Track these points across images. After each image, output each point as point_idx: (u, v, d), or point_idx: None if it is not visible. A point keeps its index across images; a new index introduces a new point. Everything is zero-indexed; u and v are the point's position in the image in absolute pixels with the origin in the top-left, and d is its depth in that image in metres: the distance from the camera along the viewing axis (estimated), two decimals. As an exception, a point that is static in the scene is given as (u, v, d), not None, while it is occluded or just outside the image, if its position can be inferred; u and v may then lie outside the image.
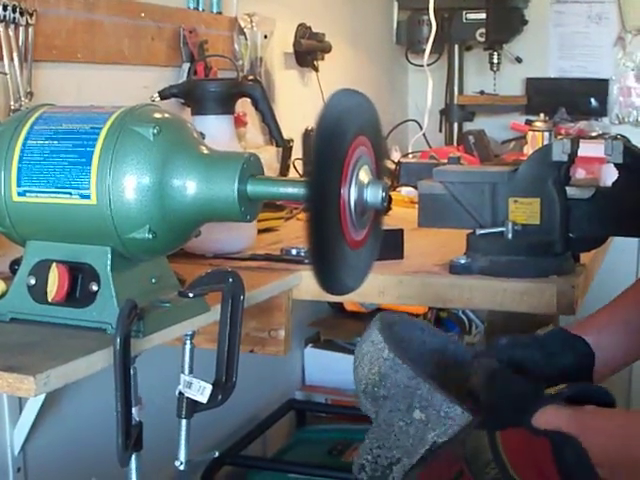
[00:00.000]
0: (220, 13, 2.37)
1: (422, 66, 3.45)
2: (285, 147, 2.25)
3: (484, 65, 3.61)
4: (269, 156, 2.33)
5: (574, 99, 3.62)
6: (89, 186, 1.12)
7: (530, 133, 3.04)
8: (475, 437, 1.03)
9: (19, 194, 1.16)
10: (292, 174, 2.53)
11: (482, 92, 3.70)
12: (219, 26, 2.37)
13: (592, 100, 3.64)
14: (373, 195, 1.03)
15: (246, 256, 1.75)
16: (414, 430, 1.02)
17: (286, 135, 2.11)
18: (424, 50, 3.44)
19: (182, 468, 1.24)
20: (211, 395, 1.20)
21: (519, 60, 3.65)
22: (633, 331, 1.18)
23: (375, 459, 1.05)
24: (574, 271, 1.62)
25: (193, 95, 1.84)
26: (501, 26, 3.46)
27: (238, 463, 2.44)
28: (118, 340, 1.05)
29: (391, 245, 1.71)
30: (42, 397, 1.64)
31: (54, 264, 1.15)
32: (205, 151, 1.16)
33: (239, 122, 2.22)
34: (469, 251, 1.65)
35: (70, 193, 1.13)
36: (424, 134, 3.40)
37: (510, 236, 1.60)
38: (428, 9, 3.37)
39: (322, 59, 2.93)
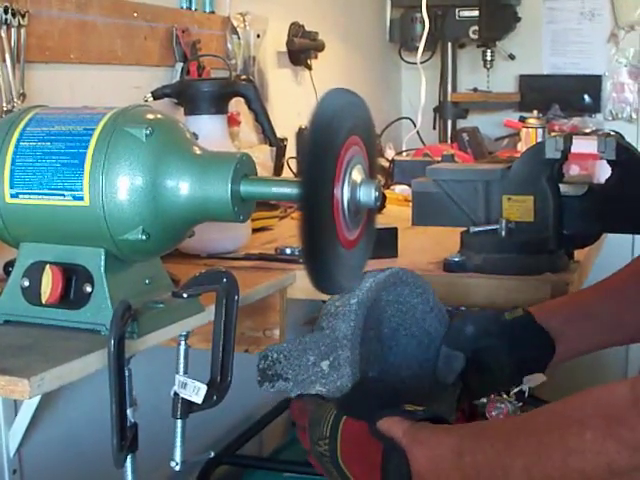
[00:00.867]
0: (213, 12, 2.37)
1: (415, 64, 3.46)
2: (279, 146, 2.25)
3: (477, 62, 3.62)
4: (263, 155, 2.33)
5: (567, 96, 3.62)
6: (82, 187, 1.12)
7: (523, 130, 3.05)
8: (324, 408, 1.09)
9: (12, 196, 1.16)
10: (286, 173, 2.53)
11: (475, 89, 3.70)
12: (212, 25, 2.37)
13: (585, 96, 3.65)
14: (366, 194, 1.03)
15: (240, 256, 1.75)
16: (313, 373, 1.11)
17: (280, 134, 2.11)
18: (417, 48, 3.45)
19: (178, 469, 1.24)
20: (206, 395, 1.19)
21: (512, 57, 3.65)
22: (598, 324, 1.23)
23: (275, 362, 1.14)
24: (568, 268, 1.63)
25: (186, 95, 1.83)
26: (494, 23, 3.47)
27: (234, 463, 2.44)
28: (112, 341, 1.05)
29: (385, 243, 1.72)
30: (37, 399, 1.64)
31: (48, 266, 1.15)
32: (198, 151, 1.15)
33: (232, 121, 2.22)
34: (463, 249, 1.65)
35: (63, 195, 1.13)
36: (418, 132, 3.40)
37: (504, 234, 1.60)
38: (421, 7, 3.37)
39: (315, 58, 2.93)
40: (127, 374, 1.13)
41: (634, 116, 3.62)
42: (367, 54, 3.54)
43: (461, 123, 3.68)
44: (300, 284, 1.62)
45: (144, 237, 1.12)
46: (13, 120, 1.20)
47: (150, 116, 1.15)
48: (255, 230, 1.92)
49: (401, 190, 2.63)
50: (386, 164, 2.82)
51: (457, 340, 1.22)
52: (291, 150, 2.67)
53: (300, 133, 2.85)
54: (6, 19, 1.64)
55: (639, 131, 3.63)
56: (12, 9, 1.65)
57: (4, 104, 1.65)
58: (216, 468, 2.34)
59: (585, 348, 1.28)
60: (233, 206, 1.12)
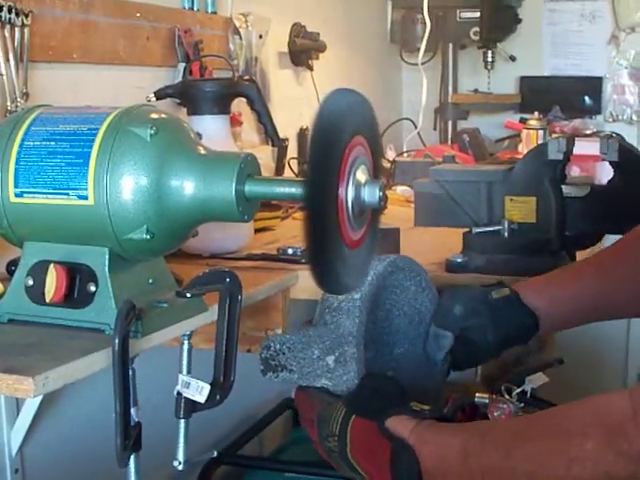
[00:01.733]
0: (215, 13, 2.37)
1: (416, 65, 3.46)
2: (280, 146, 2.25)
3: (478, 64, 3.61)
4: (265, 156, 2.33)
5: (568, 97, 3.62)
6: (86, 187, 1.12)
7: (524, 131, 3.05)
8: (333, 406, 1.12)
9: (16, 195, 1.16)
10: (287, 173, 2.53)
11: (476, 91, 3.70)
12: (214, 26, 2.37)
13: (586, 98, 3.65)
14: (370, 194, 1.03)
15: (243, 256, 1.75)
16: (318, 367, 1.13)
17: (281, 134, 2.11)
18: (418, 49, 3.45)
19: (180, 468, 1.24)
20: (209, 395, 1.20)
21: (513, 59, 3.65)
22: (581, 304, 1.26)
23: (278, 353, 1.16)
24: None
25: (189, 95, 1.84)
26: (495, 25, 3.47)
27: (235, 463, 2.44)
28: (116, 341, 1.05)
29: (388, 244, 1.72)
30: (39, 398, 1.64)
31: (52, 265, 1.15)
32: (202, 151, 1.16)
33: (235, 122, 2.22)
34: (465, 250, 1.66)
35: (67, 194, 1.13)
36: (419, 133, 3.40)
37: (506, 234, 1.61)
38: (422, 8, 3.37)
39: (317, 58, 2.93)
40: (131, 373, 1.13)
41: (634, 118, 3.62)
42: (368, 55, 3.54)
43: (462, 124, 3.67)
44: (302, 284, 1.62)
45: (148, 236, 1.12)
46: (17, 119, 1.20)
47: (154, 116, 1.16)
48: (257, 230, 1.92)
49: (402, 191, 2.63)
50: (387, 165, 2.82)
51: (446, 320, 1.25)
52: (292, 150, 2.68)
53: (302, 134, 2.85)
54: (10, 18, 1.64)
55: (639, 133, 3.63)
56: (16, 8, 1.66)
57: (8, 103, 1.65)
58: (217, 468, 2.34)
59: (567, 325, 1.33)
60: (237, 206, 1.12)
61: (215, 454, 1.45)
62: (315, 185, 0.96)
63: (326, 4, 3.16)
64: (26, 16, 1.68)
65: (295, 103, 2.83)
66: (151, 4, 2.09)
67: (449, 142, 3.56)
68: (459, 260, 1.63)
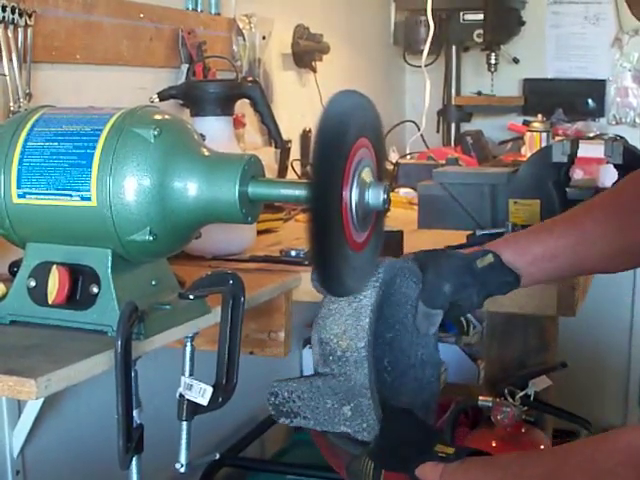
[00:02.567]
0: (218, 14, 2.37)
1: (420, 67, 3.45)
2: (283, 148, 2.25)
3: (481, 66, 3.61)
4: (267, 157, 2.33)
5: (571, 100, 3.62)
6: (89, 188, 1.12)
7: (528, 134, 3.05)
8: (362, 462, 1.12)
9: (19, 196, 1.16)
10: (290, 175, 2.52)
11: (479, 93, 3.70)
12: (217, 27, 2.37)
13: (589, 101, 3.65)
14: (375, 197, 1.03)
15: (245, 257, 1.75)
16: (334, 415, 1.11)
17: (284, 136, 2.11)
18: (422, 51, 3.44)
19: (183, 470, 1.24)
20: (212, 397, 1.19)
21: (516, 61, 3.65)
22: (561, 262, 1.28)
23: (288, 400, 1.12)
24: (574, 272, 1.62)
25: (192, 96, 1.83)
26: (498, 27, 3.47)
27: (237, 465, 2.44)
28: (119, 343, 1.05)
29: (391, 246, 1.71)
30: (41, 399, 1.64)
31: (54, 266, 1.15)
32: (206, 153, 1.15)
33: (237, 123, 2.22)
34: (469, 252, 1.65)
35: (70, 195, 1.13)
36: (422, 135, 3.40)
37: (510, 237, 1.60)
38: (426, 10, 3.36)
39: (320, 60, 2.93)
40: (133, 375, 1.12)
41: (638, 120, 3.62)
42: (371, 57, 3.54)
43: (465, 126, 3.67)
44: (305, 286, 1.61)
45: (151, 238, 1.11)
46: (20, 120, 1.20)
47: (158, 117, 1.15)
48: (260, 232, 1.92)
49: (405, 193, 2.62)
50: (390, 167, 2.82)
51: (435, 299, 1.24)
52: (295, 152, 2.67)
53: (305, 136, 2.85)
54: (13, 19, 1.64)
55: (643, 136, 3.63)
56: (19, 9, 1.65)
57: (11, 104, 1.65)
58: (219, 470, 2.34)
59: (546, 280, 1.36)
60: (241, 208, 1.11)
61: (217, 456, 1.44)
62: (319, 187, 0.96)
63: (330, 6, 3.15)
64: (29, 16, 1.67)
65: (298, 105, 2.83)
66: (155, 5, 2.09)
67: (452, 144, 3.56)
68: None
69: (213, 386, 1.20)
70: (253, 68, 2.48)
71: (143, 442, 1.16)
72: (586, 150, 1.76)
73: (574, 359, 2.47)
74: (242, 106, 2.18)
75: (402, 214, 2.28)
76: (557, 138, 3.00)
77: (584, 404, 3.06)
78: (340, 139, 0.98)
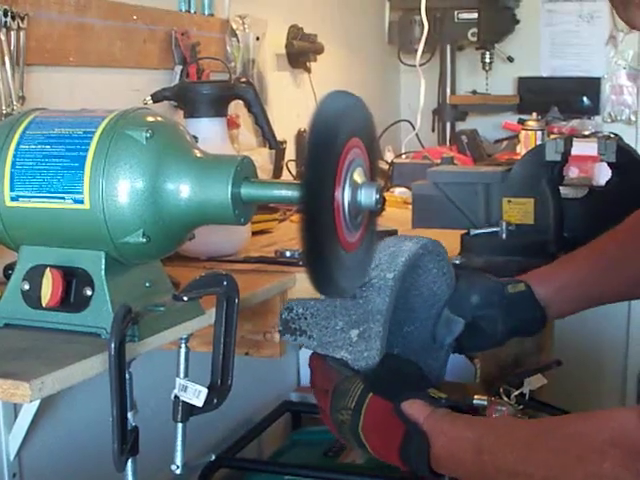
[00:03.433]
0: (212, 15, 2.37)
1: (414, 66, 3.46)
2: (278, 149, 2.25)
3: (476, 65, 3.62)
4: (262, 158, 2.33)
5: (566, 98, 3.62)
6: (82, 191, 1.12)
7: (523, 132, 3.05)
8: (352, 381, 1.13)
9: (12, 199, 1.16)
10: (285, 176, 2.52)
11: (474, 92, 3.70)
12: (211, 28, 2.37)
13: (584, 99, 3.65)
14: (367, 197, 1.03)
15: (240, 259, 1.75)
16: (340, 338, 1.12)
17: (279, 137, 2.10)
18: (416, 50, 3.44)
19: (179, 472, 1.24)
20: (207, 398, 1.19)
21: (511, 59, 3.65)
22: (586, 290, 1.30)
23: (300, 317, 1.15)
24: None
25: (186, 98, 1.83)
26: (493, 26, 3.47)
27: (234, 466, 2.43)
28: (113, 345, 1.05)
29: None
30: (37, 402, 1.64)
31: (48, 269, 1.14)
32: (198, 154, 1.15)
33: (232, 124, 2.22)
34: (463, 251, 1.65)
35: (63, 198, 1.13)
36: (417, 134, 3.40)
37: (504, 236, 1.61)
38: (420, 9, 3.37)
39: (314, 60, 2.93)
40: (128, 377, 1.12)
41: (633, 118, 3.62)
42: (366, 57, 3.54)
43: (460, 125, 3.67)
44: (300, 287, 1.62)
45: (144, 240, 1.11)
46: (13, 123, 1.20)
47: (150, 119, 1.15)
48: (254, 233, 1.92)
49: (400, 193, 2.63)
50: (385, 167, 2.82)
51: (460, 306, 1.26)
52: (290, 153, 2.67)
53: (300, 136, 2.85)
54: (5, 22, 1.64)
55: (638, 133, 3.63)
56: (12, 12, 1.65)
57: (3, 107, 1.65)
58: (216, 471, 2.34)
59: (572, 311, 1.35)
60: (234, 209, 1.11)
61: (213, 457, 1.44)
62: (311, 188, 0.96)
63: (323, 6, 3.15)
64: (22, 19, 1.67)
65: (293, 105, 2.83)
66: (148, 7, 2.09)
67: (447, 143, 3.56)
68: (457, 262, 1.62)
69: (208, 387, 1.20)
70: (247, 69, 2.48)
71: (138, 444, 1.16)
72: (580, 148, 1.76)
73: (571, 357, 2.48)
74: (236, 107, 2.18)
75: (397, 214, 2.28)
76: (552, 136, 3.00)
77: (581, 403, 3.07)
78: (331, 140, 0.98)
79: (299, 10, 2.91)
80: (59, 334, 1.15)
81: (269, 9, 2.65)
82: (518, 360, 1.98)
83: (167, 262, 1.25)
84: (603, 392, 3.63)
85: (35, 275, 1.16)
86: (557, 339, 2.47)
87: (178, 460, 1.24)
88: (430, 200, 1.69)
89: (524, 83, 3.71)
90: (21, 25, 1.67)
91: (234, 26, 2.44)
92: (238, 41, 2.45)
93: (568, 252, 1.64)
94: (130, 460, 1.17)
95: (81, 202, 1.12)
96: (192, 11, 2.29)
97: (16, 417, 1.72)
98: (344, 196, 1.01)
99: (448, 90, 3.67)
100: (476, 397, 1.36)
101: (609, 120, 3.63)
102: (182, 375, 1.23)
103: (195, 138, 1.19)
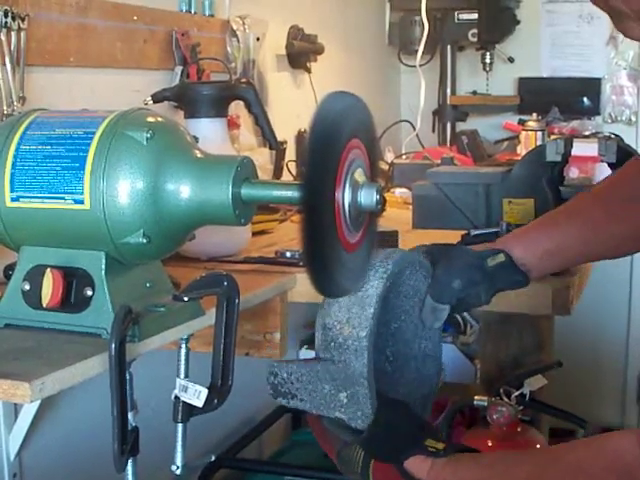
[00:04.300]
0: (212, 16, 2.37)
1: (414, 67, 3.46)
2: (278, 149, 2.25)
3: (476, 65, 3.62)
4: (262, 158, 2.33)
5: (566, 98, 3.62)
6: (83, 191, 1.12)
7: (523, 133, 3.05)
8: (352, 450, 1.13)
9: (12, 199, 1.16)
10: (286, 176, 2.52)
11: (475, 92, 3.70)
12: (211, 29, 2.37)
13: (585, 99, 3.65)
14: (367, 197, 1.03)
15: (240, 259, 1.75)
16: (331, 401, 1.12)
17: (279, 137, 2.11)
18: (416, 51, 3.44)
19: (179, 472, 1.24)
20: (207, 399, 1.19)
21: (511, 60, 3.65)
22: (569, 254, 1.31)
23: (286, 381, 1.14)
24: (569, 271, 1.62)
25: (186, 98, 1.83)
26: (493, 26, 3.47)
27: (234, 466, 2.43)
28: (113, 345, 1.05)
29: (386, 247, 1.71)
30: (37, 402, 1.64)
31: (48, 269, 1.15)
32: (199, 155, 1.15)
33: (232, 125, 2.22)
34: (464, 252, 1.65)
35: (64, 198, 1.13)
36: (417, 135, 3.39)
37: (504, 237, 1.60)
38: (420, 10, 3.37)
39: (315, 61, 2.93)
40: (128, 378, 1.12)
41: (633, 119, 3.62)
42: (366, 57, 3.54)
43: (460, 126, 3.67)
44: (300, 287, 1.62)
45: (145, 240, 1.11)
46: (14, 123, 1.20)
47: (151, 119, 1.15)
48: (255, 233, 1.92)
49: (401, 193, 2.62)
50: (385, 167, 2.82)
51: (443, 294, 1.25)
52: (290, 153, 2.67)
53: (300, 137, 2.85)
54: (6, 22, 1.64)
55: (638, 134, 3.63)
56: (12, 12, 1.65)
57: (4, 107, 1.65)
58: (216, 471, 2.34)
59: (554, 271, 1.39)
60: (234, 209, 1.12)
61: (213, 458, 1.44)
62: (312, 188, 0.96)
63: (324, 6, 3.15)
64: (22, 20, 1.67)
65: (293, 106, 2.83)
66: (148, 7, 2.09)
67: (448, 144, 3.56)
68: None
69: (208, 388, 1.20)
70: (247, 69, 2.48)
71: (138, 444, 1.16)
72: (580, 149, 1.76)
73: (571, 358, 2.48)
74: (237, 107, 2.18)
75: (398, 214, 2.28)
76: (552, 137, 3.00)
77: (582, 403, 3.07)
78: (332, 140, 0.98)
79: (299, 10, 2.91)
80: (59, 334, 1.15)
81: (269, 10, 2.65)
82: (518, 360, 1.99)
83: (167, 262, 1.25)
84: (603, 392, 3.63)
85: (35, 275, 1.16)
86: (557, 339, 2.46)
87: (178, 460, 1.24)
88: (430, 200, 1.69)
89: (524, 84, 3.72)
90: (22, 26, 1.67)
91: (234, 27, 2.44)
92: (238, 41, 2.45)
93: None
94: (130, 460, 1.17)
95: (81, 202, 1.12)
96: (192, 11, 2.29)
97: (16, 417, 1.72)
98: (344, 196, 1.01)
99: (448, 91, 3.67)
100: (476, 398, 1.35)
101: (609, 121, 3.63)
102: (182, 375, 1.23)
103: (195, 138, 1.19)
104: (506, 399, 1.84)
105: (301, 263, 1.63)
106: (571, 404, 2.37)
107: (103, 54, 1.95)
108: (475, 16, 3.42)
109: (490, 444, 1.94)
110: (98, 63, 1.94)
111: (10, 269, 1.23)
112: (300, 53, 2.83)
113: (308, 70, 2.90)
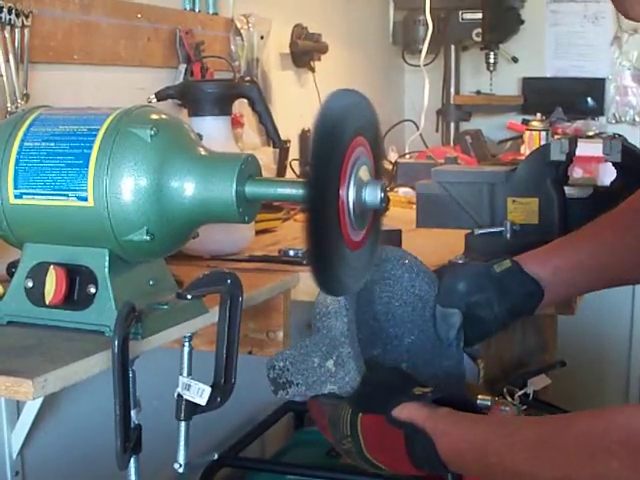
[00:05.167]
0: (216, 14, 2.37)
1: (418, 66, 3.45)
2: (282, 148, 2.25)
3: (480, 65, 3.61)
4: (266, 157, 2.33)
5: (570, 99, 3.62)
6: (86, 188, 1.11)
7: (527, 133, 3.04)
8: (340, 408, 1.12)
9: (16, 196, 1.15)
10: (289, 175, 2.52)
11: (478, 92, 3.70)
12: (215, 27, 2.37)
13: (589, 99, 3.64)
14: (372, 195, 1.02)
15: (244, 257, 1.74)
16: (321, 374, 1.13)
17: (283, 136, 2.10)
18: (420, 50, 3.44)
19: (181, 470, 1.24)
20: (210, 397, 1.19)
21: (515, 60, 3.65)
22: (585, 272, 1.28)
23: (283, 370, 1.16)
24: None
25: (190, 96, 1.83)
26: (497, 26, 3.47)
27: (237, 465, 2.43)
28: (116, 342, 1.05)
29: (389, 246, 1.71)
30: (40, 400, 1.64)
31: (52, 267, 1.14)
32: (203, 152, 1.15)
33: (236, 123, 2.21)
34: (467, 251, 1.65)
35: (67, 195, 1.13)
36: (421, 134, 3.40)
37: (509, 236, 1.60)
38: (424, 9, 3.37)
39: (318, 60, 2.93)
40: (131, 375, 1.12)
41: (637, 119, 3.62)
42: (370, 56, 3.54)
43: (464, 126, 3.67)
44: (304, 286, 1.61)
45: (148, 238, 1.11)
46: (17, 120, 1.20)
47: (154, 116, 1.15)
48: (258, 232, 1.92)
49: (404, 192, 2.62)
50: (389, 166, 2.82)
51: (450, 298, 1.25)
52: (294, 152, 2.67)
53: (303, 136, 2.85)
54: (10, 19, 1.64)
55: (642, 134, 3.63)
56: (16, 9, 1.65)
57: (8, 104, 1.65)
58: (218, 470, 2.33)
59: (572, 294, 1.38)
60: (238, 207, 1.11)
61: (216, 456, 1.44)
62: (316, 186, 0.96)
63: (328, 5, 3.15)
64: (26, 17, 1.68)
65: (297, 104, 2.83)
66: (152, 5, 2.09)
67: (451, 144, 3.56)
68: (461, 262, 1.62)
69: (211, 386, 1.20)
70: (251, 68, 2.48)
71: (141, 442, 1.15)
72: (585, 148, 1.76)
73: (574, 358, 2.47)
74: (241, 106, 2.18)
75: (401, 213, 2.27)
76: (556, 137, 3.00)
77: (585, 403, 3.06)
78: (337, 138, 0.98)
79: (303, 9, 2.91)
80: (62, 332, 1.15)
81: (273, 8, 2.64)
82: (522, 360, 1.98)
83: (171, 260, 1.25)
84: (606, 393, 3.63)
85: (39, 273, 1.16)
86: (560, 340, 2.46)
87: (181, 458, 1.23)
88: (434, 200, 1.69)
89: (528, 83, 3.71)
90: (25, 23, 1.67)
91: (238, 25, 2.44)
92: (242, 40, 2.45)
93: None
94: (133, 458, 1.17)
95: (85, 200, 1.12)
96: (196, 10, 2.29)
97: (19, 414, 1.72)
98: (349, 194, 1.00)
99: (452, 90, 3.67)
100: (480, 397, 1.35)
101: (613, 121, 3.63)
102: (185, 373, 1.23)
103: (199, 136, 1.19)
104: (510, 399, 1.84)
105: (304, 261, 1.63)
106: (574, 404, 2.36)
107: (107, 52, 1.95)
108: (479, 16, 3.41)
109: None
110: (102, 60, 1.94)
111: (13, 266, 1.22)
112: (304, 52, 2.83)
113: (312, 69, 2.90)
